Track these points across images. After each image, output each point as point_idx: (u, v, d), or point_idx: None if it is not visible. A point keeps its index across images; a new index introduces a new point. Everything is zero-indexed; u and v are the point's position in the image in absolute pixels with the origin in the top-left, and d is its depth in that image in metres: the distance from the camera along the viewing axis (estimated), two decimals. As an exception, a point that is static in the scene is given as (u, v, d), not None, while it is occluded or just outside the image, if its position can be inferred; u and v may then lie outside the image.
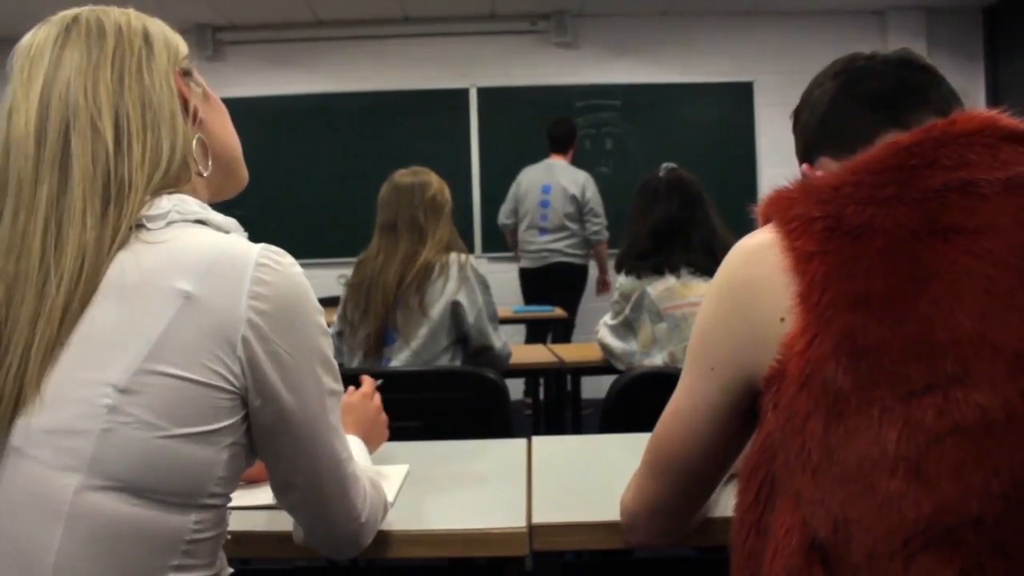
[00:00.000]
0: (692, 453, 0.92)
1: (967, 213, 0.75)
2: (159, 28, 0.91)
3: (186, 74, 0.92)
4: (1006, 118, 0.82)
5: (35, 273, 0.78)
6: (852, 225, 0.77)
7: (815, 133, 0.97)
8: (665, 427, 0.95)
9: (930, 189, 0.77)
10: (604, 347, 2.55)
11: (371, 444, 1.31)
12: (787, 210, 0.82)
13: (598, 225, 4.91)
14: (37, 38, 0.86)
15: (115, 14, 0.89)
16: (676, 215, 2.33)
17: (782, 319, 0.78)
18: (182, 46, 0.93)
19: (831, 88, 0.96)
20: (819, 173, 0.92)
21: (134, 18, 0.89)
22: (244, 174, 1.01)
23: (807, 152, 0.99)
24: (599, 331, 2.58)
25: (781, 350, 0.77)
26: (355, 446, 1.20)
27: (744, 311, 0.83)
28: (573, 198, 4.87)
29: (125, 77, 0.85)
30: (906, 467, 0.70)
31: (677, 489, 0.97)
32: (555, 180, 4.90)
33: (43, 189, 0.80)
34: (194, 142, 0.89)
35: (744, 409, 0.87)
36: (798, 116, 1.02)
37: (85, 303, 0.77)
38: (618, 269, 2.46)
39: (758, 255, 0.83)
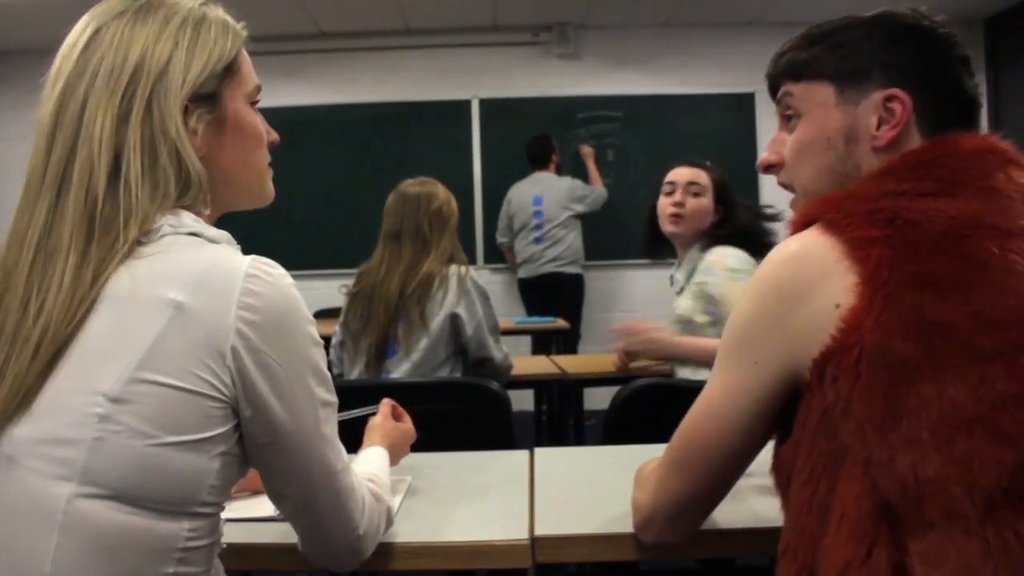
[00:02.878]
0: (724, 448, 0.94)
1: (1002, 215, 0.84)
2: (182, 52, 0.87)
3: (207, 99, 0.89)
4: (1002, 142, 0.92)
5: (19, 294, 0.80)
6: (910, 216, 0.83)
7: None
8: (696, 423, 0.97)
9: (970, 192, 0.86)
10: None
11: (395, 457, 1.29)
12: (838, 208, 0.88)
13: (593, 191, 5.25)
14: (71, 37, 0.87)
15: (142, 34, 0.86)
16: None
17: (837, 305, 0.82)
18: (205, 71, 0.88)
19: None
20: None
21: (164, 40, 0.86)
22: (263, 192, 1.03)
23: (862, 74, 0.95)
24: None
25: (840, 325, 0.81)
26: (377, 456, 1.20)
27: (792, 305, 0.86)
28: (565, 203, 5.13)
29: (135, 106, 0.83)
30: (984, 426, 0.75)
31: (703, 485, 0.99)
32: (545, 190, 5.15)
33: (42, 206, 0.82)
34: (198, 176, 0.86)
35: (781, 403, 0.90)
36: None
37: (59, 344, 0.78)
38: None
39: (805, 252, 0.87)
